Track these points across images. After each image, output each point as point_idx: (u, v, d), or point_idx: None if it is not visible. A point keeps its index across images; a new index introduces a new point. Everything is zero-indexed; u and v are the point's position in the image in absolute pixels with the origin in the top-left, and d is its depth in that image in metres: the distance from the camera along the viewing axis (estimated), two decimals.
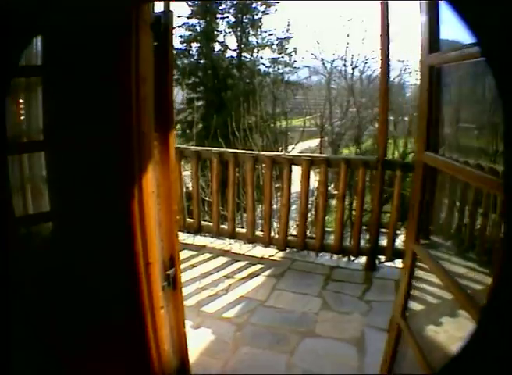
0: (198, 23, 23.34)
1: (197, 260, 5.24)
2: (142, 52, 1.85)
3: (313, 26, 28.48)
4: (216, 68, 23.68)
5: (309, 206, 5.93)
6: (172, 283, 2.47)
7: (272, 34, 23.62)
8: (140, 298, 2.09)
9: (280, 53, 23.77)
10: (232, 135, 9.19)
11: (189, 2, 22.75)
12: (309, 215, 6.15)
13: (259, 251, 5.41)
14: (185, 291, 4.46)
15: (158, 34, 2.10)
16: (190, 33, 23.47)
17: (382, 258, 4.94)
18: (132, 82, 1.80)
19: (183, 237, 5.91)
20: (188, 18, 23.13)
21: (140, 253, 2.01)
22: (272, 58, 23.88)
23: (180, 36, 23.40)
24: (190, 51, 24.35)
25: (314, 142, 19.43)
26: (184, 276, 4.75)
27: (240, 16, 23.31)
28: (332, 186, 7.11)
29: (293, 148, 13.89)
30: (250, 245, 5.50)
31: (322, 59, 19.56)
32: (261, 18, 23.38)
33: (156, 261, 2.16)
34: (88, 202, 1.93)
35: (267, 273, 4.89)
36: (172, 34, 2.27)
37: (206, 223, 5.84)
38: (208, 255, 5.37)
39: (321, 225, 4.99)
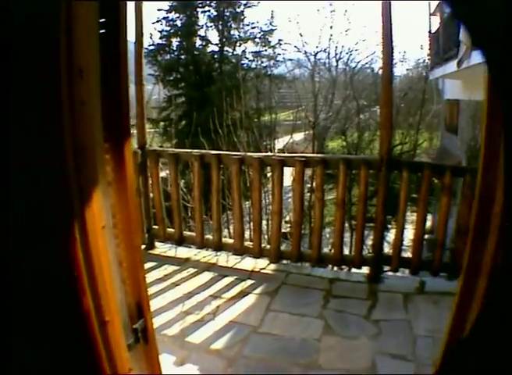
0: (178, 17, 22.66)
1: (179, 277, 4.67)
2: (78, 32, 1.27)
3: (296, 18, 27.92)
4: (198, 63, 23.07)
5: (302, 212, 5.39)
6: (142, 337, 1.90)
7: (254, 27, 23.08)
8: (98, 366, 1.52)
9: (264, 46, 23.25)
10: (216, 132, 8.63)
11: None
12: (303, 221, 5.56)
13: (249, 263, 4.86)
14: (167, 316, 3.93)
15: (105, 12, 1.53)
16: (169, 28, 22.79)
17: (386, 268, 4.42)
18: (61, 76, 1.22)
19: (164, 249, 5.37)
20: (167, 12, 22.44)
21: (91, 311, 1.44)
22: (256, 52, 23.36)
23: (160, 31, 22.75)
24: (171, 47, 23.72)
25: (300, 136, 19.10)
26: (166, 298, 4.22)
27: (221, 9, 22.68)
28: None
29: (277, 143, 13.45)
30: (239, 257, 4.94)
31: (306, 52, 19.10)
32: (243, 11, 22.79)
33: (116, 316, 1.59)
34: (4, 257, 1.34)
35: (259, 290, 4.34)
36: (126, 12, 1.67)
37: (189, 233, 5.28)
38: (192, 271, 4.80)
39: (318, 234, 4.45)
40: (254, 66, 23.20)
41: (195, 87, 22.62)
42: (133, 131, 5.65)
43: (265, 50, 23.29)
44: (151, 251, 5.35)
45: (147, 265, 4.99)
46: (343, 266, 4.69)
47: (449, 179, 3.95)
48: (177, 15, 22.68)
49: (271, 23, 23.21)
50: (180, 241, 5.20)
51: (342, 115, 17.02)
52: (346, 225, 5.81)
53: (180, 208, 5.15)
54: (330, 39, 17.70)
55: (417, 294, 4.16)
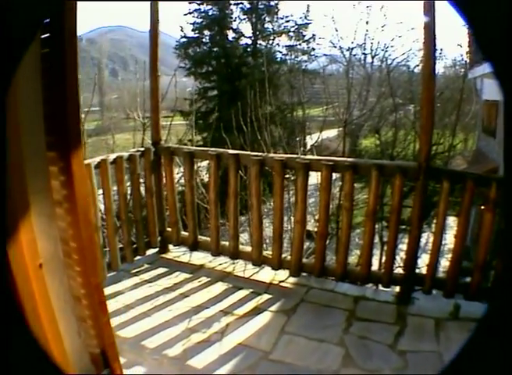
0: (211, 9, 22.32)
1: (190, 287, 4.30)
2: None
3: (331, 12, 27.31)
4: (230, 56, 22.72)
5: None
6: None
7: (289, 21, 22.59)
8: None
9: (298, 40, 22.74)
10: (246, 127, 8.20)
11: None
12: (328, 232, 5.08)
13: (267, 274, 4.45)
14: (170, 333, 3.52)
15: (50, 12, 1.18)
16: (201, 20, 22.47)
17: (418, 288, 3.95)
18: None
19: (178, 254, 5.00)
20: (199, 4, 22.13)
21: None
22: (289, 46, 22.88)
23: (191, 23, 22.47)
24: (202, 39, 23.41)
25: (333, 132, 18.59)
26: (172, 311, 3.85)
27: (255, 1, 22.23)
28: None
29: (310, 139, 13.08)
30: (257, 267, 4.52)
31: (341, 47, 18.60)
32: (277, 4, 22.32)
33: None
34: None
35: (275, 307, 3.92)
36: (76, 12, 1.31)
37: (204, 238, 4.88)
38: (204, 280, 4.43)
39: (344, 247, 3.99)
40: (287, 60, 22.71)
41: (227, 81, 22.29)
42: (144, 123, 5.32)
43: (299, 44, 22.80)
44: (163, 255, 5.00)
45: (158, 270, 4.65)
46: (371, 284, 4.24)
47: (495, 192, 3.44)
48: (209, 7, 22.32)
49: (306, 17, 22.68)
50: (194, 247, 4.82)
51: (376, 112, 16.53)
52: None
53: (195, 211, 4.76)
54: (366, 35, 17.18)
55: (450, 320, 3.66)
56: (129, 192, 4.76)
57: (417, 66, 17.72)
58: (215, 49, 23.61)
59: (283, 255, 4.37)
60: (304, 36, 22.71)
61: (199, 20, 22.58)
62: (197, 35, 23.11)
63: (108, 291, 4.13)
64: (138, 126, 6.77)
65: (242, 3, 22.19)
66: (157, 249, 4.98)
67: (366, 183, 3.91)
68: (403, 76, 18.25)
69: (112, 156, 4.27)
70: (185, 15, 22.45)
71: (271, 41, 22.80)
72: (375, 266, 4.56)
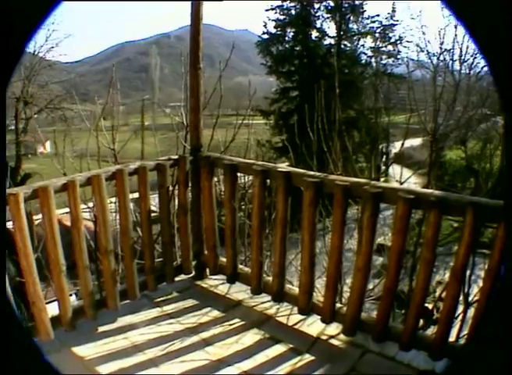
0: (294, 6, 21.49)
1: (217, 331, 3.47)
2: None
3: (419, 15, 25.68)
4: (312, 56, 21.86)
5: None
6: None
7: (374, 21, 21.36)
8: None
9: (383, 42, 21.48)
10: (324, 131, 7.24)
11: None
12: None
13: (315, 326, 3.50)
14: None
15: None
16: (284, 17, 21.72)
17: None
18: None
19: (215, 283, 4.19)
20: (282, 0, 21.36)
21: None
22: (374, 48, 21.67)
23: (274, 20, 21.78)
24: (285, 37, 22.68)
25: (417, 141, 17.47)
26: (186, 364, 3.06)
27: (339, 0, 21.14)
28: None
29: (394, 147, 12.19)
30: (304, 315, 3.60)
31: (428, 52, 17.34)
32: (362, 3, 21.15)
33: None
34: None
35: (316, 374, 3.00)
36: None
37: (245, 269, 4.03)
38: (237, 323, 3.58)
39: (416, 307, 2.98)
40: (372, 62, 21.51)
41: (308, 81, 21.40)
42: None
43: (385, 46, 21.52)
44: (198, 283, 4.20)
45: (186, 302, 3.89)
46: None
47: None
48: (293, 4, 21.49)
49: (391, 17, 21.32)
50: (233, 279, 3.99)
51: (462, 123, 15.19)
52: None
53: (236, 236, 3.91)
54: (454, 39, 15.80)
55: None
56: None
57: None
58: (297, 48, 22.87)
59: (337, 305, 3.42)
60: (390, 38, 21.40)
61: (282, 17, 21.82)
62: (279, 32, 22.38)
63: (120, 322, 3.56)
64: (222, 124, 6.11)
65: (326, 1, 21.16)
66: (189, 275, 4.19)
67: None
68: (491, 84, 16.77)
69: (133, 166, 3.51)
70: (266, 10, 21.81)
71: (355, 42, 21.63)
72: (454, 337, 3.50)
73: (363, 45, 22.00)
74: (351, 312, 3.26)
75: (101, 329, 3.50)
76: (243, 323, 3.58)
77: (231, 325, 3.56)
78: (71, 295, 4.65)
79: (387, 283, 3.04)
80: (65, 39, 23.08)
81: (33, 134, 22.64)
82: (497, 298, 1.36)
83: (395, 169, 7.40)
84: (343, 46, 22.09)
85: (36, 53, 22.32)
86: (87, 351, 3.24)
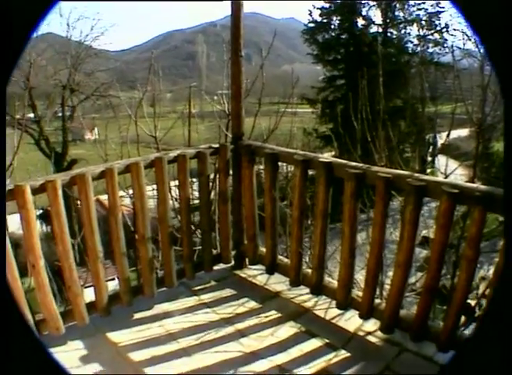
0: None
1: (253, 322, 3.45)
2: None
3: None
4: (359, 44, 21.47)
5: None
6: None
7: (420, 9, 20.71)
8: None
9: (429, 30, 20.82)
10: (367, 120, 7.07)
11: None
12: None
13: (353, 321, 3.42)
14: None
15: None
16: (329, 5, 21.37)
17: None
18: None
19: (254, 273, 4.16)
20: None
21: None
22: (421, 36, 21.06)
23: (319, 8, 21.46)
24: (331, 25, 22.34)
25: (463, 132, 16.94)
26: (219, 355, 3.05)
27: None
28: None
29: (440, 138, 11.91)
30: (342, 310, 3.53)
31: (475, 40, 16.69)
32: None
33: None
34: None
35: (350, 371, 2.93)
36: None
37: (285, 260, 3.99)
38: (273, 315, 3.54)
39: (457, 309, 2.86)
40: (418, 51, 20.91)
41: (355, 69, 21.04)
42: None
43: (431, 34, 20.86)
44: (237, 272, 4.19)
45: (224, 292, 3.89)
46: None
47: None
48: None
49: (437, 5, 20.61)
50: (272, 269, 3.95)
51: None
52: None
53: (276, 226, 3.86)
54: None
55: None
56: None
57: None
58: (343, 36, 22.50)
59: (376, 301, 3.33)
60: (436, 25, 20.72)
61: (327, 5, 21.46)
62: (325, 20, 22.03)
63: (156, 310, 3.58)
64: (269, 112, 6.08)
65: None
66: (228, 265, 4.18)
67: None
68: None
69: (172, 154, 3.50)
70: None
71: (401, 30, 21.08)
72: None
73: (409, 33, 21.41)
74: (390, 308, 3.16)
75: (136, 315, 3.53)
76: (279, 315, 3.54)
77: (267, 317, 3.52)
78: (113, 279, 4.71)
79: (427, 280, 2.93)
80: (112, 28, 23.46)
81: (81, 121, 23.20)
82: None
83: (441, 161, 7.17)
84: (389, 34, 21.57)
85: (82, 42, 22.76)
86: (121, 337, 3.27)
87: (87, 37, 22.88)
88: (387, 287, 4.15)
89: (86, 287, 3.65)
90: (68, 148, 21.13)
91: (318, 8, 21.60)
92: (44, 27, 24.59)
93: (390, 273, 3.55)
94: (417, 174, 3.15)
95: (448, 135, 8.17)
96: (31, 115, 21.46)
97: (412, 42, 21.50)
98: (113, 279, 3.42)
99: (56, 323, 3.14)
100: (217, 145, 3.88)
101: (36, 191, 2.95)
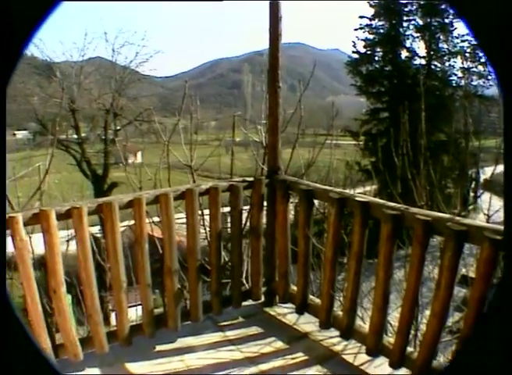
0: (382, 25, 21.13)
1: (277, 364, 3.32)
2: None
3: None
4: (402, 76, 21.31)
5: None
6: None
7: (464, 40, 20.45)
8: None
9: (473, 62, 20.51)
10: (409, 156, 6.93)
11: (371, 2, 20.67)
12: None
13: (382, 369, 3.21)
14: None
15: None
16: (373, 36, 21.37)
17: None
18: None
19: (283, 311, 4.04)
20: (370, 19, 21.06)
21: None
22: (465, 68, 20.76)
23: (363, 39, 21.48)
24: (375, 57, 22.30)
25: None
26: None
27: (428, 19, 20.46)
28: None
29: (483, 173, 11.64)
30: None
31: None
32: (452, 21, 20.31)
33: None
34: None
35: None
36: None
37: (316, 300, 3.85)
38: (300, 358, 3.39)
39: None
40: (462, 84, 20.62)
41: (398, 102, 20.84)
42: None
43: (475, 66, 20.54)
44: (267, 309, 4.07)
45: (251, 330, 3.77)
46: None
47: None
48: (381, 23, 21.11)
49: None
50: (302, 309, 3.83)
51: None
52: None
53: (308, 265, 3.75)
54: None
55: None
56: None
57: None
58: (386, 68, 22.38)
59: (408, 350, 3.15)
60: (480, 58, 20.39)
61: (371, 36, 21.49)
62: (369, 52, 22.03)
63: (179, 343, 3.49)
64: (312, 143, 6.09)
65: (414, 19, 20.57)
66: (257, 301, 4.07)
67: None
68: None
69: (204, 186, 3.46)
70: (355, 30, 21.59)
71: (445, 62, 20.86)
72: None
73: (453, 66, 21.14)
74: (422, 358, 2.98)
75: (158, 347, 3.46)
76: (306, 357, 3.40)
77: (293, 359, 3.38)
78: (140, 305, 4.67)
79: (464, 330, 2.75)
80: (157, 54, 23.93)
81: (125, 144, 23.69)
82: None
83: (484, 196, 6.92)
84: (433, 66, 21.35)
85: (127, 67, 23.35)
86: (139, 368, 3.21)
87: (131, 62, 23.48)
88: (422, 325, 3.97)
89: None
90: (109, 170, 21.52)
91: (361, 40, 21.67)
92: (92, 51, 25.45)
93: (427, 312, 3.39)
94: (457, 218, 2.99)
95: (493, 171, 7.95)
96: (75, 136, 22.07)
97: (456, 75, 21.22)
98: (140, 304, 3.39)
99: (75, 349, 3.12)
100: (251, 179, 3.82)
101: (61, 217, 2.95)
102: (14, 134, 29.08)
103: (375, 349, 3.25)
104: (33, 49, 21.92)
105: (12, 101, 22.53)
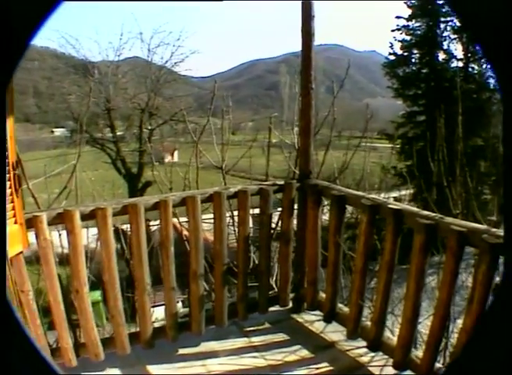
0: (419, 26, 20.69)
1: (301, 373, 3.23)
2: None
3: None
4: (440, 79, 20.83)
5: None
6: None
7: None
8: None
9: None
10: (445, 162, 6.74)
11: (408, 2, 20.27)
12: None
13: None
14: None
15: None
16: (410, 38, 20.96)
17: None
18: None
19: (311, 319, 3.95)
20: (407, 20, 20.65)
21: None
22: None
23: (400, 41, 21.09)
24: (412, 59, 21.89)
25: None
26: None
27: None
28: None
29: None
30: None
31: None
32: None
33: None
34: None
35: None
36: None
37: (344, 309, 3.76)
38: (324, 368, 3.31)
39: None
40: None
41: (435, 106, 20.41)
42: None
43: None
44: (294, 316, 3.99)
45: (276, 336, 3.71)
46: None
47: None
48: (418, 24, 20.68)
49: None
50: (329, 318, 3.74)
51: None
52: None
53: (338, 273, 3.67)
54: None
55: None
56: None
57: None
58: (423, 70, 21.92)
59: (436, 366, 3.04)
60: None
61: (408, 38, 21.09)
62: (405, 53, 21.64)
63: (202, 347, 3.46)
64: (349, 145, 6.02)
65: (452, 20, 20.06)
66: (285, 307, 4.01)
67: None
68: None
69: (233, 189, 3.42)
70: (392, 31, 21.22)
71: (483, 65, 20.30)
72: None
73: (490, 69, 20.60)
74: None
75: (181, 351, 3.44)
76: (331, 368, 3.31)
77: (318, 369, 3.30)
78: (177, 302, 4.66)
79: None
80: (193, 54, 24.04)
81: (162, 143, 23.86)
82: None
83: None
84: (470, 69, 20.84)
85: (162, 66, 23.52)
86: (161, 371, 3.19)
87: (167, 62, 23.64)
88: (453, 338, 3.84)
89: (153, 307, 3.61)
90: (144, 169, 21.69)
91: (398, 41, 21.28)
92: (127, 51, 25.73)
93: (459, 322, 3.26)
94: (493, 229, 2.86)
95: None
96: (110, 134, 22.37)
97: (493, 77, 20.66)
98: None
99: (96, 349, 3.13)
100: (282, 182, 3.76)
101: (85, 217, 2.95)
102: (52, 132, 29.64)
103: (403, 363, 3.14)
104: (70, 49, 22.39)
105: (50, 100, 23.03)
